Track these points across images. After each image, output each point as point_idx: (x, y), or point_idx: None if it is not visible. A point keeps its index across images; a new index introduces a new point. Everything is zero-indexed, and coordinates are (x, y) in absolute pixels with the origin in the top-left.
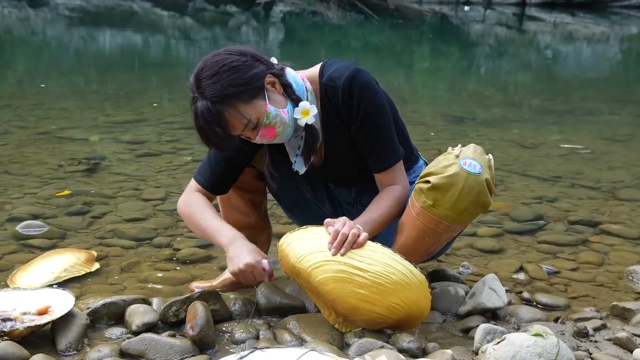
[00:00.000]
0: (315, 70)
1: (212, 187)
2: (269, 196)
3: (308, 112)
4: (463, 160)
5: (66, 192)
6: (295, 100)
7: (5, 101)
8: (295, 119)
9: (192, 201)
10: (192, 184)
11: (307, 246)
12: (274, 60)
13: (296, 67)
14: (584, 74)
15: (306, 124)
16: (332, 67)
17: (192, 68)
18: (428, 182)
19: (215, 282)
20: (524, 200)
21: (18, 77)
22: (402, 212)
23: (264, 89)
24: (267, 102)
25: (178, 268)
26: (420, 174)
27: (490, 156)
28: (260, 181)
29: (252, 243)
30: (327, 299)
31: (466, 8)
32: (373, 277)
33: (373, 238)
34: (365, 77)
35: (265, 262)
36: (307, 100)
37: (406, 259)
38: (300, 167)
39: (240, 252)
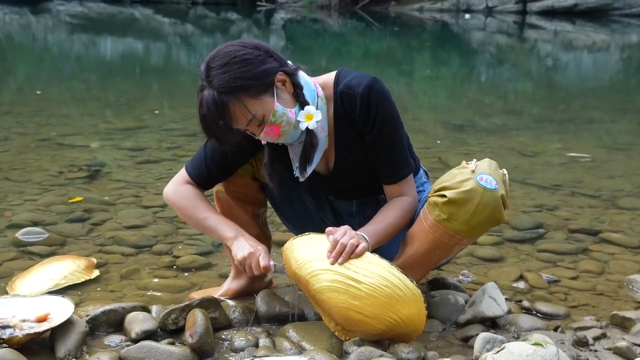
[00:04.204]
0: (329, 77)
1: (204, 182)
2: (268, 204)
3: (312, 117)
4: (479, 175)
5: (78, 198)
6: (303, 103)
7: (6, 107)
8: (298, 121)
9: (184, 192)
10: (183, 175)
11: (307, 253)
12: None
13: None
14: (584, 82)
15: (307, 128)
16: (349, 76)
17: (204, 57)
18: (444, 196)
19: (215, 295)
20: (524, 209)
21: (19, 83)
22: (409, 223)
23: (274, 85)
24: (275, 100)
25: (186, 274)
26: (434, 187)
27: (505, 171)
28: (262, 193)
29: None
30: (323, 307)
31: (467, 16)
32: (367, 288)
33: (377, 248)
34: (383, 87)
35: (262, 256)
36: (317, 106)
37: (403, 273)
38: (300, 174)
39: (247, 244)
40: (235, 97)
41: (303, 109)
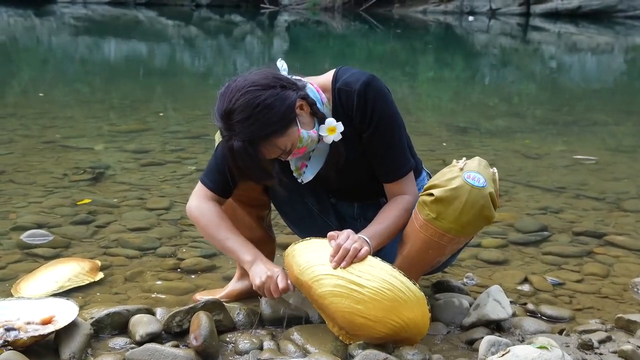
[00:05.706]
0: (327, 77)
1: (223, 190)
2: (273, 207)
3: (335, 130)
4: (467, 173)
5: (86, 200)
6: (322, 118)
7: (11, 110)
8: (321, 136)
9: (206, 211)
10: (201, 188)
11: (309, 258)
12: (281, 64)
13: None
14: (588, 84)
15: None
16: (347, 73)
17: (215, 101)
18: (431, 194)
19: (218, 295)
20: (529, 211)
21: (23, 85)
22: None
23: (296, 115)
24: (300, 127)
25: (191, 277)
26: (424, 186)
27: (495, 169)
28: (266, 195)
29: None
30: (327, 312)
31: (470, 18)
32: (370, 292)
33: (380, 249)
34: (380, 84)
35: (280, 278)
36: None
37: (406, 276)
38: (307, 177)
39: (264, 268)
40: (266, 142)
41: (323, 123)
